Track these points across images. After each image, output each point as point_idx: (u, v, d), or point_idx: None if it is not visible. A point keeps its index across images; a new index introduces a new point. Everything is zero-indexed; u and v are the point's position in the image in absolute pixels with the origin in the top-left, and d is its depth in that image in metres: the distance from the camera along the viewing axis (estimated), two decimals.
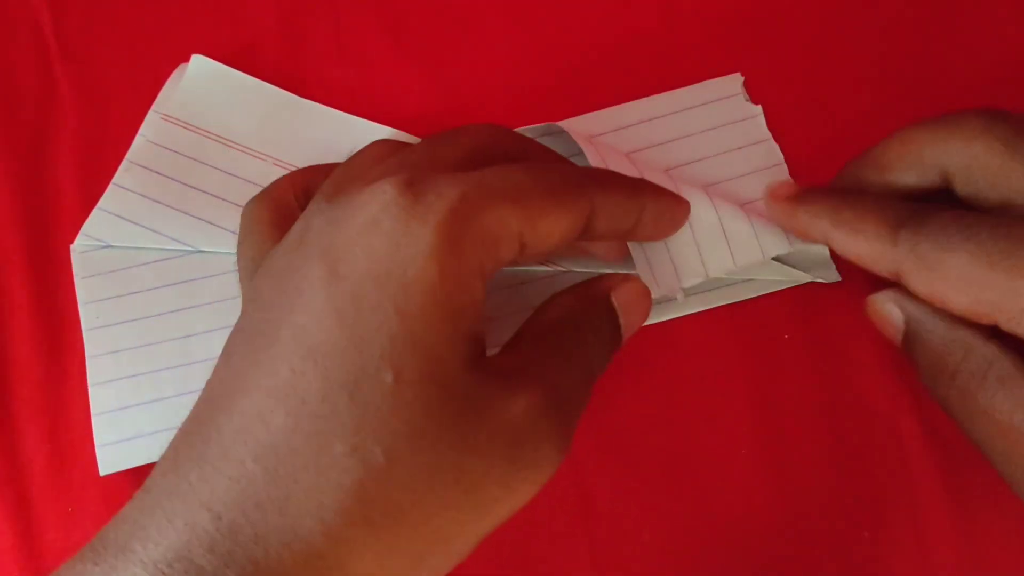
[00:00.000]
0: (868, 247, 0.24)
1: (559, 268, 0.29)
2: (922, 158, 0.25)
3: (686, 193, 0.27)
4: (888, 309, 0.25)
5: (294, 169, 0.30)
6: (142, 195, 0.30)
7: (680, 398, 0.28)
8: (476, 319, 0.21)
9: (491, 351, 0.25)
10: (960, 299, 0.22)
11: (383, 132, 0.31)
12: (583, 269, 0.29)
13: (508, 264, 0.22)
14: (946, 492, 0.27)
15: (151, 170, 0.30)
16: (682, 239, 0.27)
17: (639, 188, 0.25)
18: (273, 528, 0.18)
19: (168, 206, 0.30)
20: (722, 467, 0.28)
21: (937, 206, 0.24)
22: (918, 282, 0.23)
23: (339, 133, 0.31)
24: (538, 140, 0.28)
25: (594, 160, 0.27)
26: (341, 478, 0.18)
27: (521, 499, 0.21)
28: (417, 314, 0.19)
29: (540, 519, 0.27)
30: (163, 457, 0.20)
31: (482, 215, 0.21)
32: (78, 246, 0.30)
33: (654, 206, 0.25)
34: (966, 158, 0.24)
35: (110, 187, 0.30)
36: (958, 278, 0.22)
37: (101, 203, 0.30)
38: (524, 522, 0.26)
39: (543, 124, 0.29)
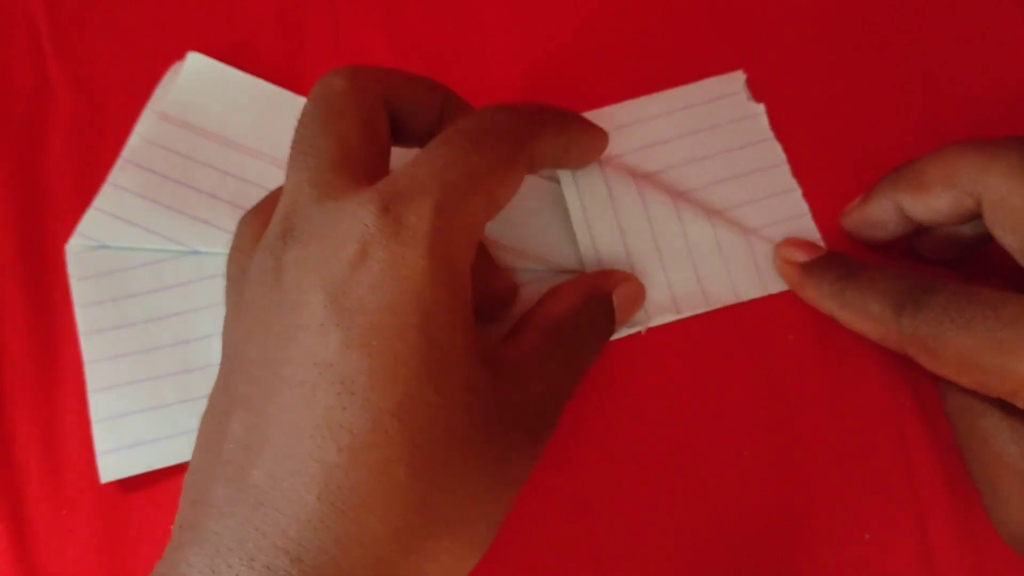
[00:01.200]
0: (873, 329, 0.25)
1: (534, 266, 0.29)
2: (961, 182, 0.25)
3: (662, 225, 0.29)
4: None
5: None
6: (138, 194, 0.29)
7: (682, 399, 0.28)
8: (472, 310, 0.22)
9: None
10: (962, 379, 0.23)
11: None
12: (570, 268, 0.29)
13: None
14: (948, 494, 0.27)
15: (147, 169, 0.30)
16: (656, 281, 0.28)
17: (566, 123, 0.26)
18: (357, 560, 0.19)
19: (164, 205, 0.29)
20: (724, 468, 0.27)
21: (938, 283, 0.24)
22: (923, 363, 0.24)
23: None
24: None
25: None
26: (409, 497, 0.19)
27: (530, 472, 0.23)
28: (441, 334, 0.21)
29: (540, 519, 0.27)
30: (197, 502, 0.20)
31: (459, 219, 0.22)
32: (73, 246, 0.29)
33: (579, 139, 0.27)
34: (1001, 192, 0.24)
35: (105, 186, 0.30)
36: (956, 362, 0.23)
37: (96, 202, 0.29)
38: (524, 522, 0.26)
39: None
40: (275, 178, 0.30)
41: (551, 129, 0.25)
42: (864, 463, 0.27)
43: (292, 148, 0.23)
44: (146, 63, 0.32)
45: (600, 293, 0.26)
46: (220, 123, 0.30)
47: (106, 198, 0.30)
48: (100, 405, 0.27)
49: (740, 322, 0.29)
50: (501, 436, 0.21)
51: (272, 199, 0.26)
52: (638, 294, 0.28)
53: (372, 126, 0.24)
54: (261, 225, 0.25)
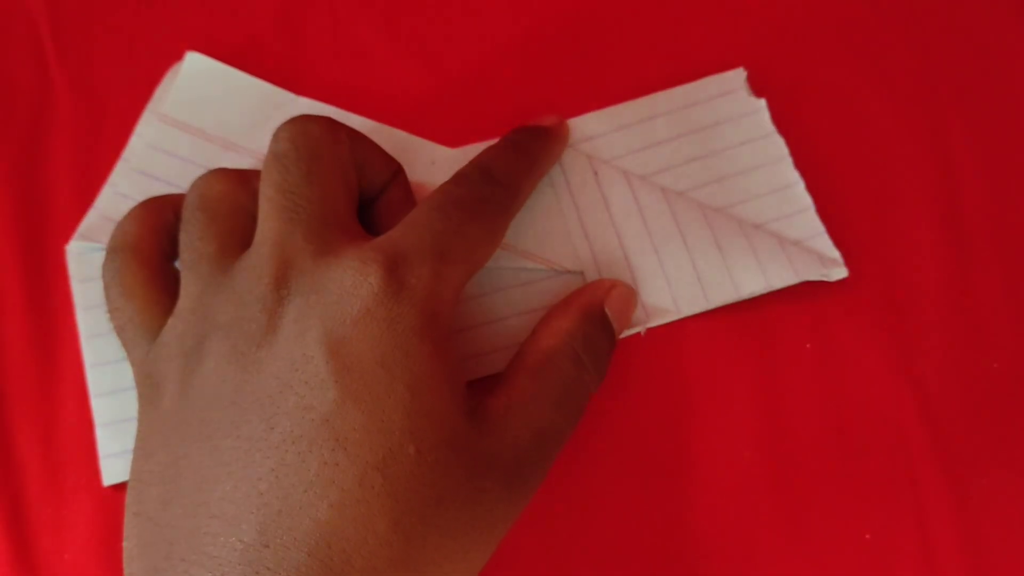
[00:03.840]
0: None
1: (533, 266, 0.29)
2: None
3: (657, 224, 0.29)
4: None
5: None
6: (138, 197, 0.29)
7: (683, 399, 0.28)
8: (460, 365, 0.23)
9: (475, 371, 0.27)
10: None
11: (382, 130, 0.30)
12: (570, 268, 0.29)
13: None
14: (950, 494, 0.27)
15: (147, 171, 0.30)
16: (654, 281, 0.28)
17: (546, 163, 0.29)
18: None
19: None
20: (725, 468, 0.27)
21: None
22: None
23: None
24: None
25: None
26: (389, 552, 0.20)
27: (510, 522, 0.23)
28: (424, 387, 0.21)
29: (540, 518, 0.27)
30: (183, 559, 0.20)
31: (451, 281, 0.23)
32: (73, 247, 0.29)
33: (552, 163, 0.29)
34: None
35: (105, 188, 0.30)
36: None
37: (96, 204, 0.29)
38: (524, 522, 0.26)
39: None
40: None
41: (508, 156, 0.27)
42: (865, 463, 0.27)
43: (272, 188, 0.23)
44: (147, 64, 0.32)
45: (593, 310, 0.26)
46: (219, 124, 0.30)
47: (106, 200, 0.30)
48: (103, 409, 0.28)
49: (739, 322, 0.29)
50: (475, 488, 0.21)
51: (135, 246, 0.25)
52: (629, 298, 0.28)
53: (347, 178, 0.25)
54: (147, 271, 0.25)
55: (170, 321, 0.23)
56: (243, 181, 0.25)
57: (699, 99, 0.31)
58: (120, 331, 0.25)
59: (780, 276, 0.28)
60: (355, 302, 0.21)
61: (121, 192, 0.30)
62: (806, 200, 0.30)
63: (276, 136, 0.25)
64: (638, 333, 0.28)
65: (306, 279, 0.22)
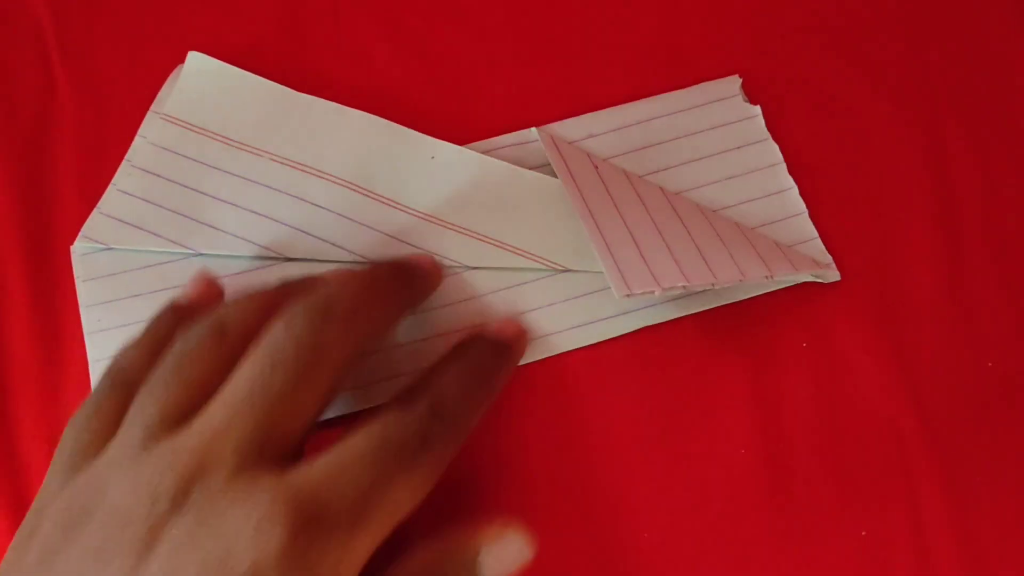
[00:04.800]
0: None
1: (531, 265, 0.29)
2: None
3: (661, 216, 0.29)
4: None
5: (296, 167, 0.29)
6: (142, 198, 0.30)
7: (680, 398, 0.28)
8: None
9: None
10: None
11: (383, 126, 0.31)
12: (570, 268, 0.29)
13: None
14: (945, 491, 0.27)
15: (150, 172, 0.30)
16: (660, 255, 0.28)
17: (480, 373, 0.25)
18: None
19: (168, 209, 0.30)
20: (721, 466, 0.28)
21: None
22: None
23: (339, 127, 0.31)
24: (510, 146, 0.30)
25: (564, 177, 0.29)
26: None
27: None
28: None
29: (540, 518, 0.27)
30: None
31: (358, 553, 0.21)
32: (78, 248, 0.29)
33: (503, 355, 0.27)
34: None
35: (109, 189, 0.30)
36: None
37: (100, 205, 0.30)
38: (524, 522, 0.26)
39: (519, 132, 0.31)
40: (277, 177, 0.30)
41: (484, 412, 0.25)
42: (860, 460, 0.28)
43: (246, 382, 0.22)
44: (151, 65, 0.32)
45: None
46: (222, 123, 0.31)
47: (110, 201, 0.30)
48: None
49: (735, 321, 0.29)
50: None
51: (99, 406, 0.23)
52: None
53: (333, 386, 0.23)
54: (100, 427, 0.23)
55: (86, 470, 0.22)
56: (231, 345, 0.23)
57: (695, 104, 0.32)
58: (61, 443, 0.23)
59: (778, 266, 0.28)
60: (246, 557, 0.19)
61: (125, 191, 0.30)
62: (799, 205, 0.30)
63: (286, 320, 0.23)
64: (652, 293, 0.27)
65: (207, 501, 0.20)
